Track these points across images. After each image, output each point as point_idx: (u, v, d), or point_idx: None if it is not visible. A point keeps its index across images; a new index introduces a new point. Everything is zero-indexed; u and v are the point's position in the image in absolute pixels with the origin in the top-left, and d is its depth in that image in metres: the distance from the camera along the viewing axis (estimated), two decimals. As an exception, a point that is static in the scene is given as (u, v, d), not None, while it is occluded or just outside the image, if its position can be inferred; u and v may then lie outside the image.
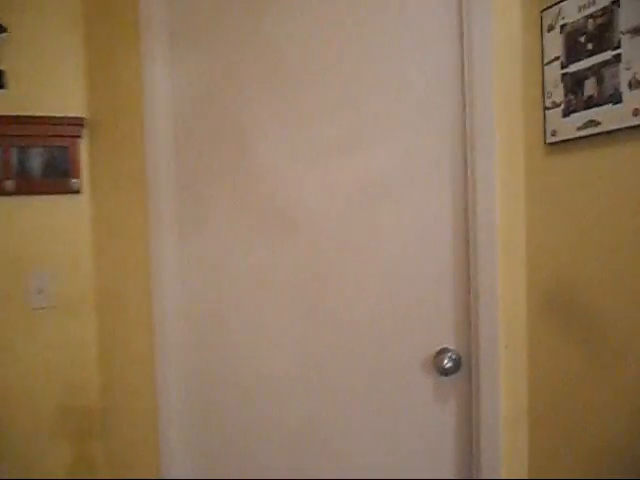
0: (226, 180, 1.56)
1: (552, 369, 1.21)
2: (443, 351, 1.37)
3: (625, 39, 0.99)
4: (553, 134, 1.16)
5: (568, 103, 1.13)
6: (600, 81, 1.05)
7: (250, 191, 1.53)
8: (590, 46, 1.07)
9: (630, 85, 0.99)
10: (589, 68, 1.08)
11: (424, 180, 1.37)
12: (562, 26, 1.13)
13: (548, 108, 1.18)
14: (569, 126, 1.12)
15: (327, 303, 1.47)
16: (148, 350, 1.57)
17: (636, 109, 0.98)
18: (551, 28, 1.16)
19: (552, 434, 1.22)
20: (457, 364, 1.35)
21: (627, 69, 1.00)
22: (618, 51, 1.01)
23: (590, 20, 1.07)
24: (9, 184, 1.65)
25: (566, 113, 1.13)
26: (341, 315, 1.46)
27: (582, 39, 1.09)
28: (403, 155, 1.38)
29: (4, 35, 1.59)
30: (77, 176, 1.73)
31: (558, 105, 1.15)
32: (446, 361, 1.34)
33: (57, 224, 1.71)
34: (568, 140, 1.13)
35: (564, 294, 1.17)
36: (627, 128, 1.00)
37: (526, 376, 1.27)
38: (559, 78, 1.15)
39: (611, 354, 1.07)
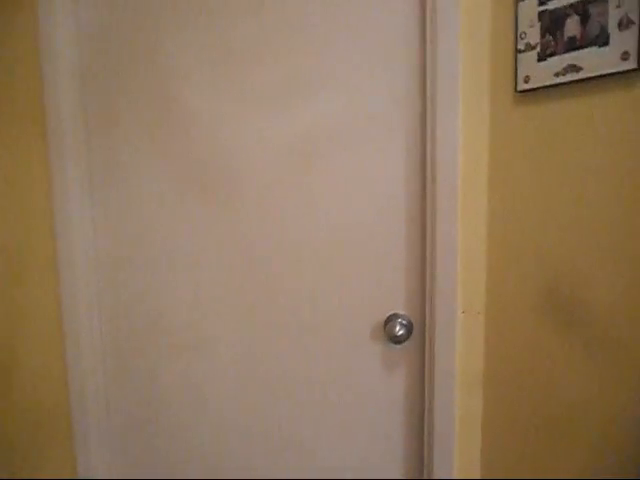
0: (145, 130, 1.33)
1: (511, 337, 1.14)
2: (393, 317, 1.27)
3: (617, -29, 0.88)
4: (526, 81, 1.05)
5: (545, 45, 1.01)
6: (584, 20, 0.94)
7: (173, 143, 1.31)
8: (574, -21, 0.95)
9: (620, 25, 0.89)
10: (572, 5, 0.96)
11: (375, 130, 1.22)
12: (542, -44, 1.01)
13: (521, 51, 1.05)
14: (545, 71, 1.01)
15: (266, 270, 1.31)
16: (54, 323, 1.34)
17: (625, 52, 0.88)
18: (528, -42, 1.03)
19: (507, 403, 1.16)
20: (409, 331, 1.25)
21: (617, 6, 0.89)
22: (608, -15, 0.90)
23: (576, -51, 0.95)
24: None
25: (542, 57, 1.02)
26: (283, 283, 1.31)
27: (565, -29, 0.97)
28: (352, 102, 1.22)
29: None
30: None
31: (533, 47, 1.03)
32: (397, 328, 1.23)
33: None
34: (543, 87, 1.02)
35: (529, 258, 1.09)
36: (614, 74, 0.90)
37: (483, 344, 1.19)
38: (535, 16, 1.02)
39: (572, 318, 1.01)
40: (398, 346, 1.28)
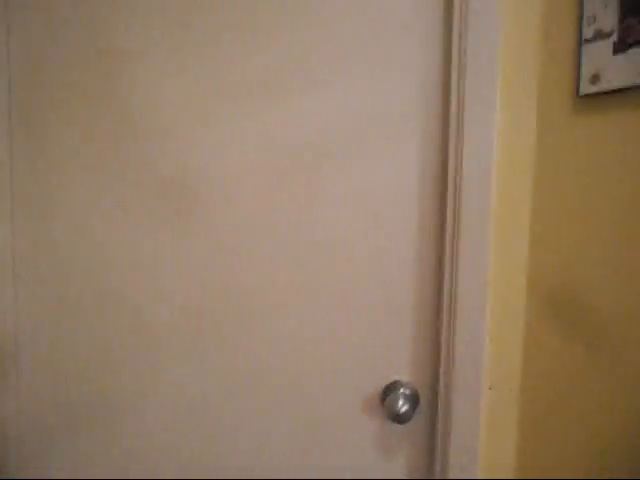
0: (88, 129, 1.03)
1: (554, 424, 0.84)
2: (394, 387, 0.96)
3: None
4: (593, 81, 0.76)
5: (626, 31, 0.73)
6: (692, -5, 0.66)
7: (126, 148, 1.01)
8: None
9: None
10: (671, -26, 0.68)
11: (379, 137, 0.92)
12: None
13: (588, 40, 0.77)
14: (625, 68, 0.72)
15: (234, 315, 1.00)
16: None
17: None
18: None
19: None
20: (413, 406, 0.95)
21: None
22: None
23: None
24: None
25: (621, 47, 0.73)
26: (250, 338, 1.00)
27: None
28: (356, 103, 0.93)
29: None
30: None
31: (607, 35, 0.74)
32: (401, 402, 0.93)
33: None
34: (620, 90, 0.74)
35: (579, 314, 0.80)
36: None
37: (516, 435, 0.89)
38: (611, -7, 0.74)
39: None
40: (399, 427, 0.98)
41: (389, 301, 0.95)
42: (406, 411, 0.92)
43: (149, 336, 1.02)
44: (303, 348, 0.98)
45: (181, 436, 1.03)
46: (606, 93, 0.75)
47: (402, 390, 0.96)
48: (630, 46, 0.72)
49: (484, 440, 0.89)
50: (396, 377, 0.97)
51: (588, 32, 0.77)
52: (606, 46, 0.74)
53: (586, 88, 0.77)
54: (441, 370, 0.92)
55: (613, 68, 0.73)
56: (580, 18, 0.78)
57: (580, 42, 0.78)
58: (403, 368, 0.97)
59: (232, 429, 1.01)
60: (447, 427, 0.90)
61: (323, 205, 0.94)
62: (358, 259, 0.95)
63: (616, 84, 0.73)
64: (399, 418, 0.92)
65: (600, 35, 0.75)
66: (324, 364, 0.98)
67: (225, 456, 1.03)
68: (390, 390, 0.97)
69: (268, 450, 1.01)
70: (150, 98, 0.99)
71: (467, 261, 0.86)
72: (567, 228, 0.81)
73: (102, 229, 1.02)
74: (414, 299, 0.94)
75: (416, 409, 0.95)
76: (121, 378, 1.04)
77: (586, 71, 0.77)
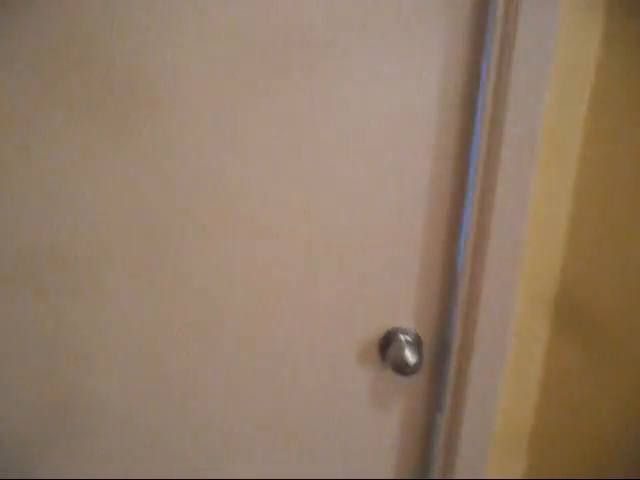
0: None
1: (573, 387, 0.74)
2: (393, 334, 0.83)
3: None
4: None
5: None
6: None
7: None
8: None
9: None
10: None
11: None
12: None
13: None
14: None
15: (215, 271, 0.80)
16: None
17: None
18: None
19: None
20: (420, 356, 0.82)
21: None
22: None
23: None
24: None
25: None
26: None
27: None
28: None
29: None
30: None
31: None
32: (406, 351, 0.79)
33: None
34: None
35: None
36: None
37: (537, 390, 0.79)
38: None
39: None
40: (404, 379, 0.85)
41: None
42: (416, 362, 0.78)
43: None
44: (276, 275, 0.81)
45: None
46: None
47: (403, 337, 0.83)
48: None
49: (504, 400, 0.78)
50: (396, 324, 0.84)
51: None
52: None
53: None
54: (453, 313, 0.79)
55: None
56: None
57: None
58: (404, 313, 0.83)
59: (212, 373, 0.83)
60: (462, 379, 0.78)
61: (319, 118, 0.75)
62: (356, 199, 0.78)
63: None
64: (405, 369, 0.78)
65: None
66: (312, 306, 0.82)
67: (218, 404, 0.84)
68: (390, 338, 0.83)
69: (259, 398, 0.84)
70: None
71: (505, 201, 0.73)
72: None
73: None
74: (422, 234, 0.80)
75: (422, 359, 0.82)
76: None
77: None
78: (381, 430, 0.86)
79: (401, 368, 0.78)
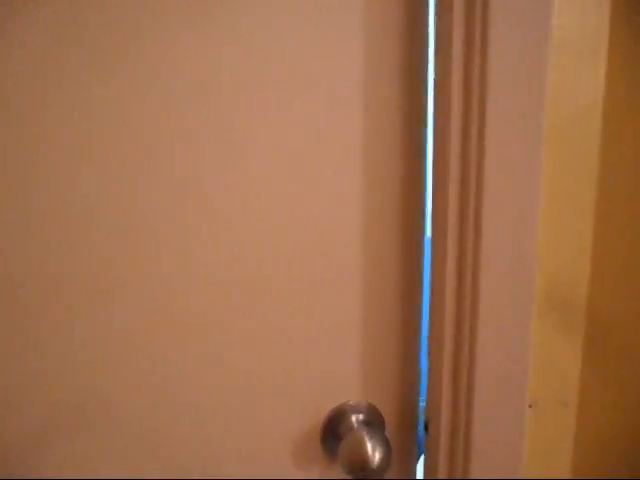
0: None
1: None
2: (346, 415, 0.53)
3: None
4: None
5: None
6: None
7: None
8: None
9: None
10: None
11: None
12: None
13: None
14: None
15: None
16: None
17: None
18: None
19: None
20: (386, 444, 0.51)
21: None
22: None
23: None
24: None
25: None
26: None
27: None
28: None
29: None
30: None
31: None
32: (369, 446, 0.49)
33: None
34: None
35: None
36: None
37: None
38: None
39: None
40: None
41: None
42: (381, 458, 0.48)
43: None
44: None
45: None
46: None
47: (356, 417, 0.53)
48: None
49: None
50: (344, 399, 0.54)
51: None
52: None
53: None
54: (443, 382, 0.50)
55: None
56: None
57: None
58: (354, 384, 0.54)
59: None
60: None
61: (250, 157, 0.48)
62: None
63: None
64: (369, 473, 0.48)
65: None
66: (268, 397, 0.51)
67: None
68: (337, 421, 0.53)
69: None
70: None
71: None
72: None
73: None
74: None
75: (390, 450, 0.52)
76: None
77: None
78: None
79: (357, 470, 0.47)
